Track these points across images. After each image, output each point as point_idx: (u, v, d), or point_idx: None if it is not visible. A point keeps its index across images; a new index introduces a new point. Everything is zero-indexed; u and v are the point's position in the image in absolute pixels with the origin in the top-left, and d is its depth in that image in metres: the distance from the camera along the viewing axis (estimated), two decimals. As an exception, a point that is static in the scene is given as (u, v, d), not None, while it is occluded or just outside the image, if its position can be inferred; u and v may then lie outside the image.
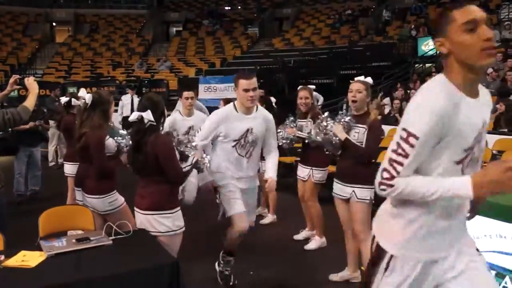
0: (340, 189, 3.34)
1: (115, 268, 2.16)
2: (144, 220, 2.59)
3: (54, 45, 20.80)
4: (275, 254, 4.30)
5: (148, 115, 2.52)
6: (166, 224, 2.57)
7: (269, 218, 5.22)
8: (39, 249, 2.30)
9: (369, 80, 3.34)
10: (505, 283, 1.56)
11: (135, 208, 2.70)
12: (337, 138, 3.26)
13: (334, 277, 3.63)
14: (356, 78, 3.37)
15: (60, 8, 22.16)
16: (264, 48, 18.91)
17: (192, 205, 5.19)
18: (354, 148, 3.22)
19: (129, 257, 2.28)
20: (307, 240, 4.52)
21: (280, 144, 4.39)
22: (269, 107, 5.01)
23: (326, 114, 3.56)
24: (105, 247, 2.36)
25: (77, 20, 22.51)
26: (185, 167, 2.63)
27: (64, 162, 4.60)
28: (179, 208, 2.67)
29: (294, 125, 4.26)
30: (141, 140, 2.54)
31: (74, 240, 2.40)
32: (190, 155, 2.69)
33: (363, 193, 3.23)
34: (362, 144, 3.20)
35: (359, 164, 3.22)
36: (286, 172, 6.75)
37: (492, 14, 13.71)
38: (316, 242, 4.38)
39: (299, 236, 4.63)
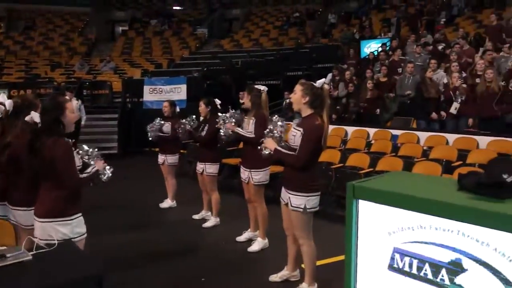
0: (282, 192, 3.31)
1: (32, 285, 2.01)
2: (40, 228, 2.51)
3: (-16, 43, 19.39)
4: (218, 258, 4.25)
5: (34, 117, 2.49)
6: (62, 232, 2.50)
7: (212, 221, 5.16)
8: None
9: (320, 82, 3.14)
10: (442, 275, 1.60)
11: (34, 216, 2.61)
12: (268, 151, 3.23)
13: (274, 277, 3.64)
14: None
15: (-9, 3, 20.70)
16: (212, 49, 18.75)
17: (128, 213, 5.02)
18: (284, 158, 3.17)
19: (49, 272, 2.13)
20: (250, 241, 4.52)
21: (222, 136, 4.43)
22: (214, 109, 4.99)
23: (275, 117, 3.44)
24: (25, 263, 2.19)
25: (10, 16, 21.09)
26: (82, 175, 2.61)
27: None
28: (80, 214, 2.61)
29: (234, 119, 4.33)
30: (34, 141, 2.48)
31: (-12, 258, 2.21)
32: (91, 165, 2.72)
33: (297, 201, 3.14)
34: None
35: (295, 169, 3.13)
36: (230, 173, 6.73)
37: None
38: (259, 244, 4.38)
39: (241, 238, 4.62)
